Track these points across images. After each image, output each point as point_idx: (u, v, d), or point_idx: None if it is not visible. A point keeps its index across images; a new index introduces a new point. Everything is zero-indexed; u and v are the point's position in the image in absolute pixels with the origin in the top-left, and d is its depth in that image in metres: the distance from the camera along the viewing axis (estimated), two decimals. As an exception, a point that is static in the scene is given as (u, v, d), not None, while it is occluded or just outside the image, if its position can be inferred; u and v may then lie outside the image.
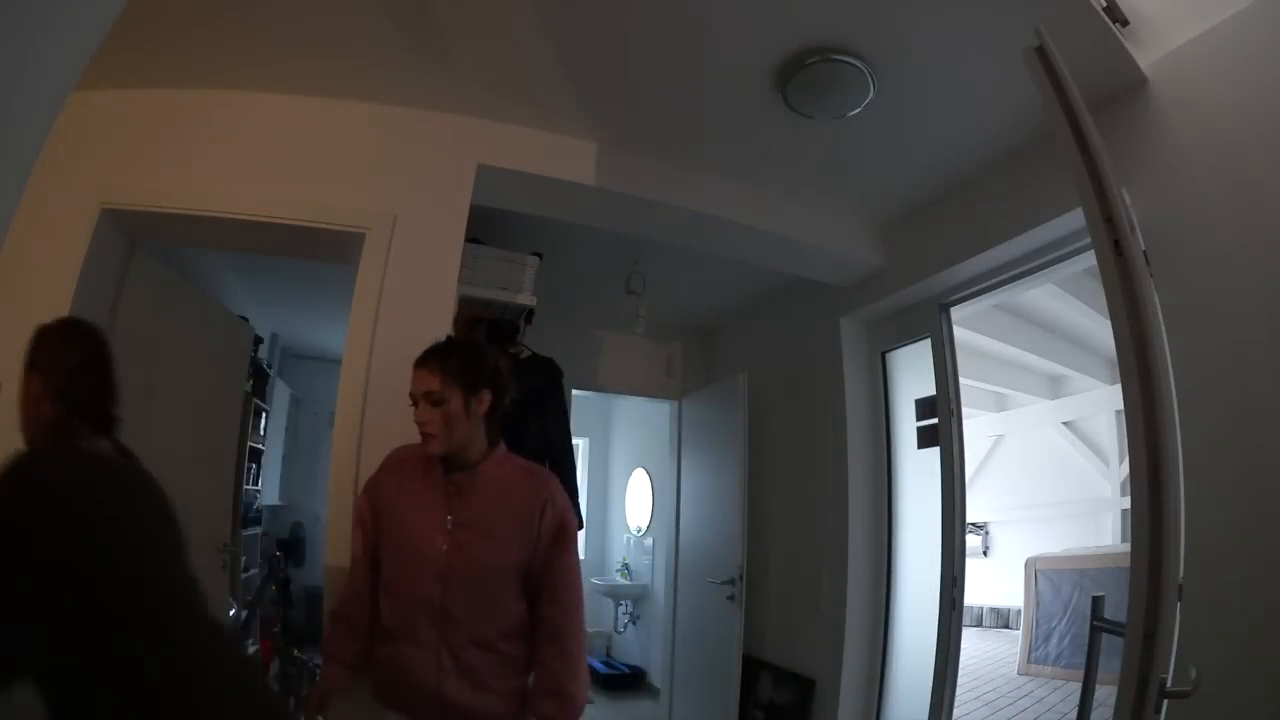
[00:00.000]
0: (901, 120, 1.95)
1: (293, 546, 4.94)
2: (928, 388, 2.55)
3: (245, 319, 3.22)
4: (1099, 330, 4.71)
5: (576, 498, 2.49)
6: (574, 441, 2.89)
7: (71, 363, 0.99)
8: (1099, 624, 1.42)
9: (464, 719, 1.31)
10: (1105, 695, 1.20)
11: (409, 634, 1.33)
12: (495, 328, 2.49)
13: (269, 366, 4.39)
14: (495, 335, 2.48)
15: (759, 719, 3.04)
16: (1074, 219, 1.84)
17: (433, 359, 1.35)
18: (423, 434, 1.34)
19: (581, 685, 1.33)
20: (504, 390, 1.40)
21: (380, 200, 1.96)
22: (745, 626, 3.07)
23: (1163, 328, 1.25)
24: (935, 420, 2.50)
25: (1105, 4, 1.54)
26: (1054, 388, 6.72)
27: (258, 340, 3.68)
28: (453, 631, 1.31)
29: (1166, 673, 0.96)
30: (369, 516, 1.45)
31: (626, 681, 4.77)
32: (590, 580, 5.24)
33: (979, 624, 6.73)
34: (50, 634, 0.74)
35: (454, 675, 1.30)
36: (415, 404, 1.34)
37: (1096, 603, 1.47)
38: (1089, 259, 1.84)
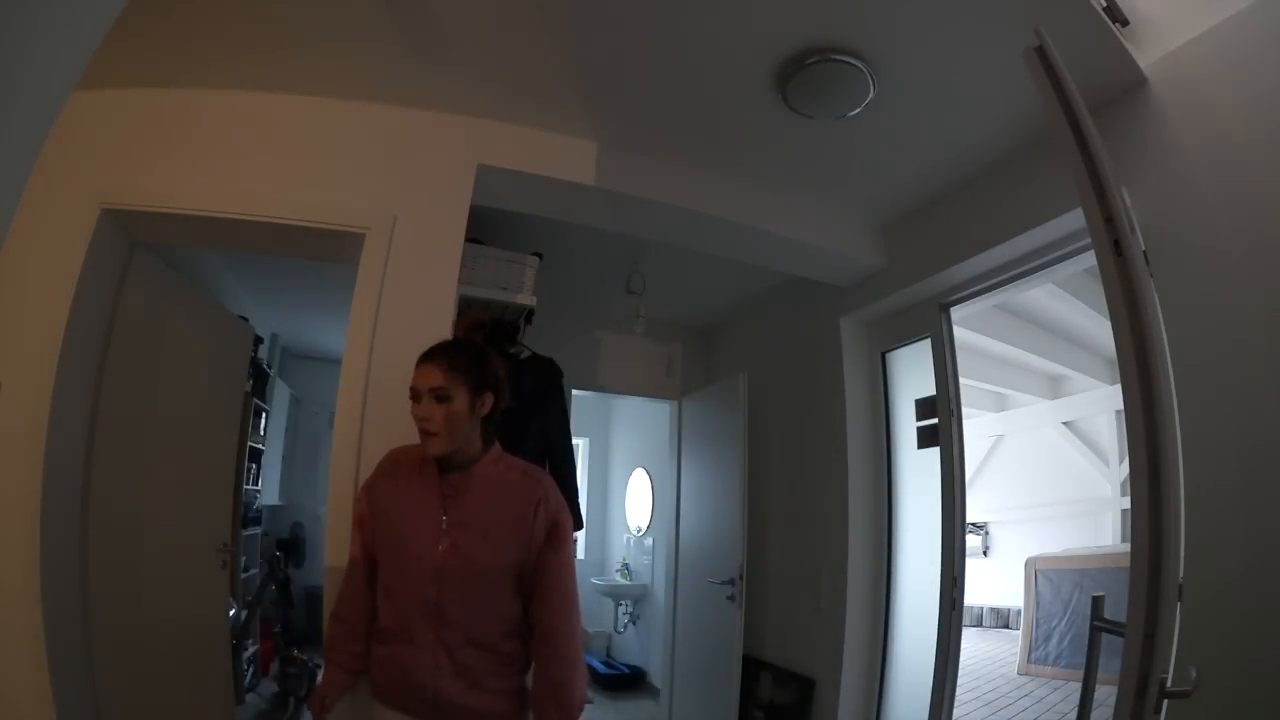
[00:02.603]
0: (902, 120, 1.95)
1: (293, 546, 4.95)
2: (928, 388, 2.55)
3: (245, 319, 3.21)
4: (1099, 330, 4.71)
5: (577, 498, 2.49)
6: (574, 441, 2.89)
7: None
8: (1099, 624, 1.42)
9: (461, 718, 1.31)
10: (1105, 695, 1.20)
11: (406, 634, 1.33)
12: (496, 328, 2.49)
13: (269, 366, 4.39)
14: (496, 336, 2.48)
15: (759, 719, 3.04)
16: (1074, 219, 1.84)
17: (441, 355, 1.35)
18: (422, 430, 1.33)
19: (580, 685, 1.33)
20: (503, 396, 1.41)
21: (380, 200, 1.96)
22: (745, 626, 3.07)
23: (1163, 328, 1.25)
24: (935, 420, 2.50)
25: (1105, 4, 1.54)
26: (1054, 388, 6.72)
27: (258, 340, 3.68)
28: (449, 631, 1.31)
29: (1166, 673, 0.95)
30: (368, 517, 1.46)
31: (626, 681, 4.77)
32: (590, 580, 5.24)
33: (979, 624, 6.73)
34: None
35: (450, 674, 1.30)
36: (417, 399, 1.34)
37: (1096, 603, 1.46)
38: (1089, 259, 1.85)
